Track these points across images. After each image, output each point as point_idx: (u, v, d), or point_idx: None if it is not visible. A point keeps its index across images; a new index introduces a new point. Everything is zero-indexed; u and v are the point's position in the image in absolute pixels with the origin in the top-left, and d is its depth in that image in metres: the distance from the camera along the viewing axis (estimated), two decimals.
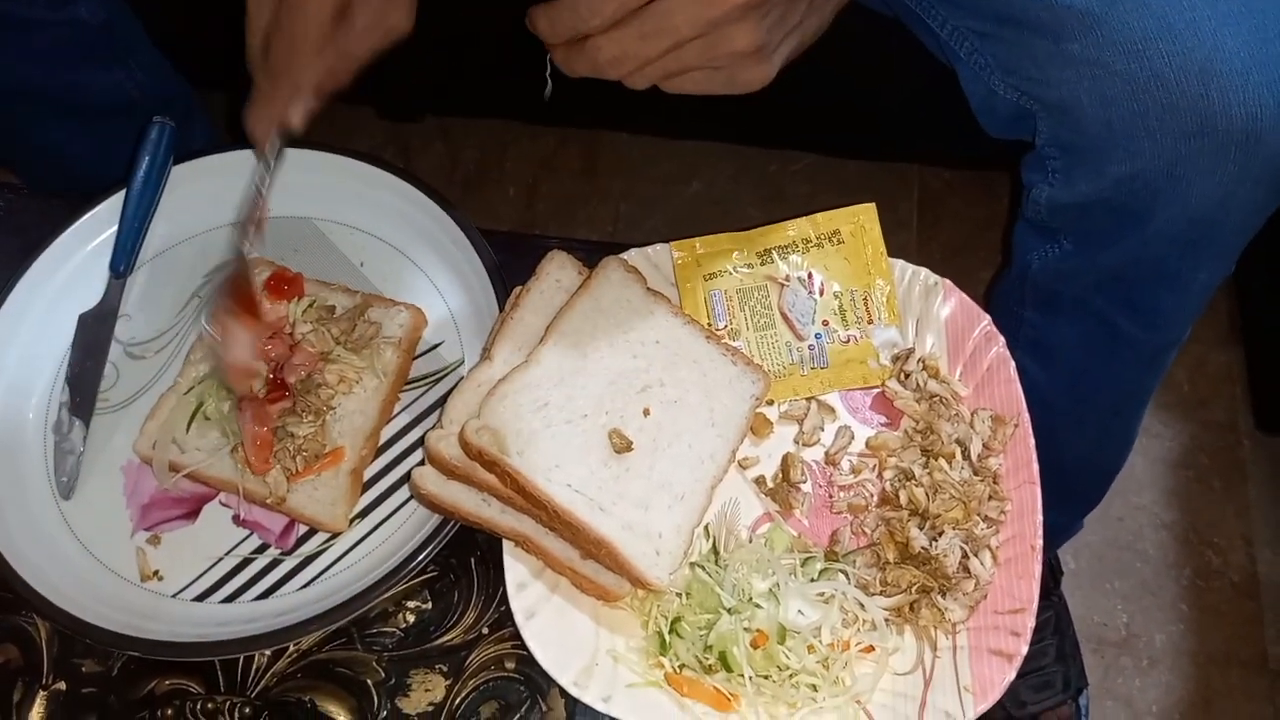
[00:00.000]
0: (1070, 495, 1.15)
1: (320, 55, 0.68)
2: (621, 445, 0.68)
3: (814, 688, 0.65)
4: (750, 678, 0.64)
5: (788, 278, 0.77)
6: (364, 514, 0.75)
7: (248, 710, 0.70)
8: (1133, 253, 0.85)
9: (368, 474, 0.76)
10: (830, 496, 0.74)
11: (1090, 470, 1.13)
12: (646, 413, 0.70)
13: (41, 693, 0.70)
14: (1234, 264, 0.88)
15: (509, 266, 0.79)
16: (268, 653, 0.71)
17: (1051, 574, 1.26)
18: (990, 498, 0.70)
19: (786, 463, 0.74)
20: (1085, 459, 1.08)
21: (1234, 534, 1.44)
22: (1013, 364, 0.74)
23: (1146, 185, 0.79)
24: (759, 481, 0.74)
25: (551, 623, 0.67)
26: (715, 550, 0.70)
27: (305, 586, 0.73)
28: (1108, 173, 0.80)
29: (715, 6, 0.60)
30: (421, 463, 0.70)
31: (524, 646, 0.67)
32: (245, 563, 0.74)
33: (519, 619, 0.67)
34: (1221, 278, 0.89)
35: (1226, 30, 0.73)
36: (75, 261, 0.82)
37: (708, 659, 0.66)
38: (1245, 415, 1.51)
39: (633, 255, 0.77)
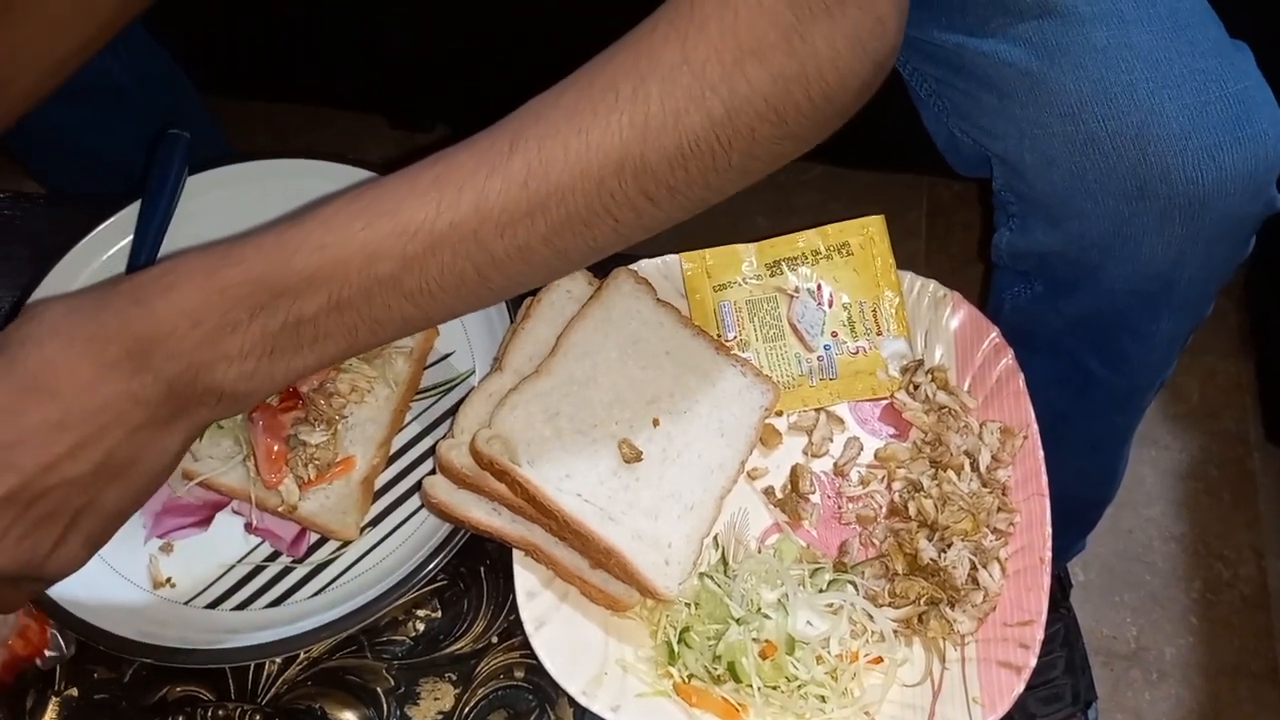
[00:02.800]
0: (1061, 522, 1.15)
1: None
2: (631, 455, 0.69)
3: (822, 699, 0.65)
4: (759, 688, 0.65)
5: (797, 289, 0.78)
6: (375, 522, 0.76)
7: (258, 717, 0.70)
8: (1093, 302, 0.85)
9: (379, 483, 0.77)
10: (839, 507, 0.74)
11: (1077, 502, 1.13)
12: (656, 423, 0.70)
13: (54, 699, 0.71)
14: (1205, 312, 0.88)
15: None
16: (278, 660, 0.71)
17: (1060, 586, 1.26)
18: (999, 509, 0.70)
19: (795, 474, 0.74)
20: (1068, 492, 1.08)
21: (1244, 546, 1.43)
22: (1021, 376, 0.74)
23: (1095, 243, 0.79)
24: (768, 492, 0.74)
25: (561, 632, 0.68)
26: (724, 560, 0.70)
27: (316, 594, 0.73)
28: (1060, 228, 0.80)
29: None
30: (432, 471, 0.71)
31: (533, 655, 0.67)
32: (257, 570, 0.74)
33: (528, 628, 0.67)
34: (1189, 327, 0.89)
35: (1165, 94, 0.72)
36: (90, 271, 0.82)
37: (716, 669, 0.66)
38: (1255, 427, 1.51)
39: (643, 266, 0.78)
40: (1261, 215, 0.78)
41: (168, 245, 0.84)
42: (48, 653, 0.70)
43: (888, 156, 1.53)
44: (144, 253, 0.82)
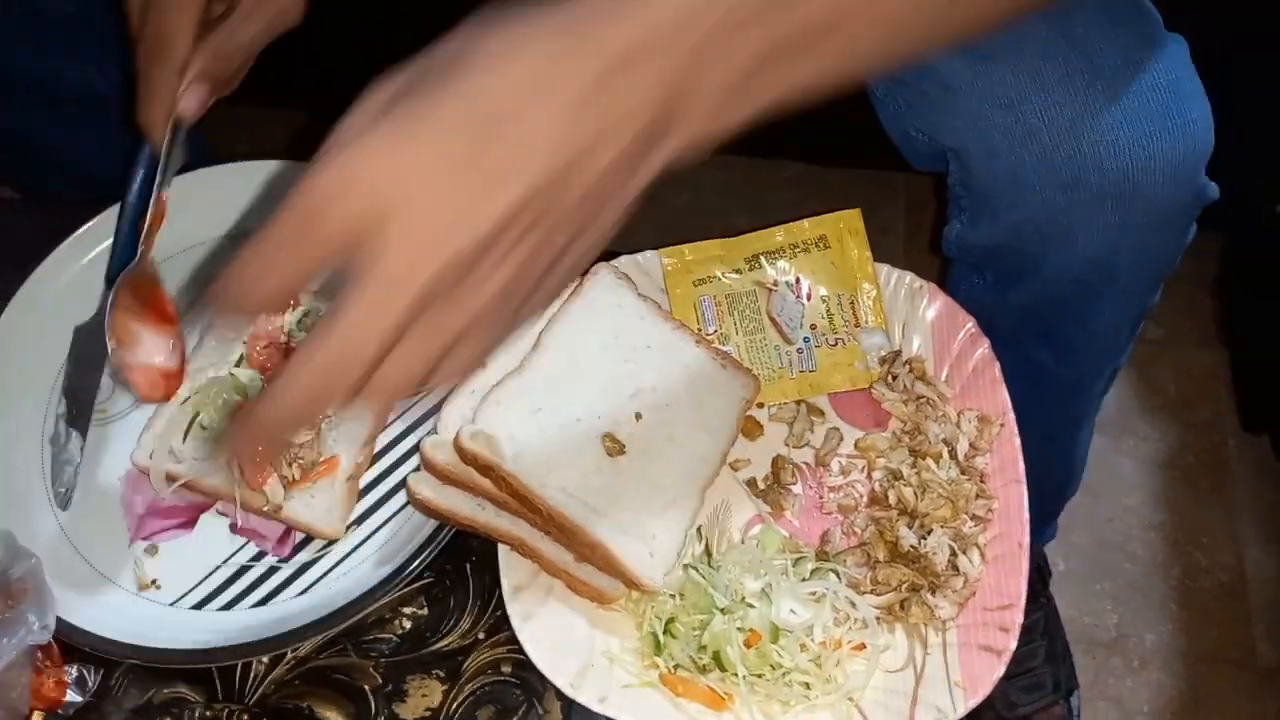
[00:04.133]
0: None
1: (197, 39, 0.65)
2: (614, 449, 0.69)
3: (807, 686, 0.66)
4: (744, 677, 0.65)
5: (776, 283, 0.79)
6: (360, 520, 0.76)
7: (246, 717, 0.70)
8: (1037, 292, 0.87)
9: (364, 481, 0.77)
10: (820, 497, 0.75)
11: (1039, 493, 1.14)
12: (638, 416, 0.71)
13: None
14: (1148, 301, 0.89)
15: None
16: (265, 660, 0.71)
17: (1040, 576, 1.28)
18: (978, 496, 0.71)
19: (777, 464, 0.75)
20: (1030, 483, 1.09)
21: (1221, 534, 1.45)
22: (997, 365, 0.75)
23: (1035, 231, 0.80)
24: (750, 483, 0.75)
25: (547, 625, 0.68)
26: (708, 551, 0.71)
27: (303, 593, 0.73)
28: (1000, 218, 0.81)
29: (395, 300, 0.41)
30: (417, 469, 0.71)
31: (520, 651, 0.68)
32: (242, 570, 0.74)
33: (515, 622, 0.68)
34: (1133, 315, 0.90)
35: (1099, 85, 0.74)
36: (71, 274, 0.82)
37: (702, 659, 0.66)
38: (1230, 416, 1.53)
39: (623, 262, 0.78)
40: (1194, 203, 0.80)
41: None
42: (68, 699, 0.70)
43: (864, 154, 1.53)
44: (124, 254, 0.82)
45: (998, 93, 0.75)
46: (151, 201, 0.71)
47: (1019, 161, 0.76)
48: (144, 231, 0.72)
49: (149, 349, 0.71)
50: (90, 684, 0.70)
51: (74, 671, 0.70)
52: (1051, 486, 1.14)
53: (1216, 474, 1.49)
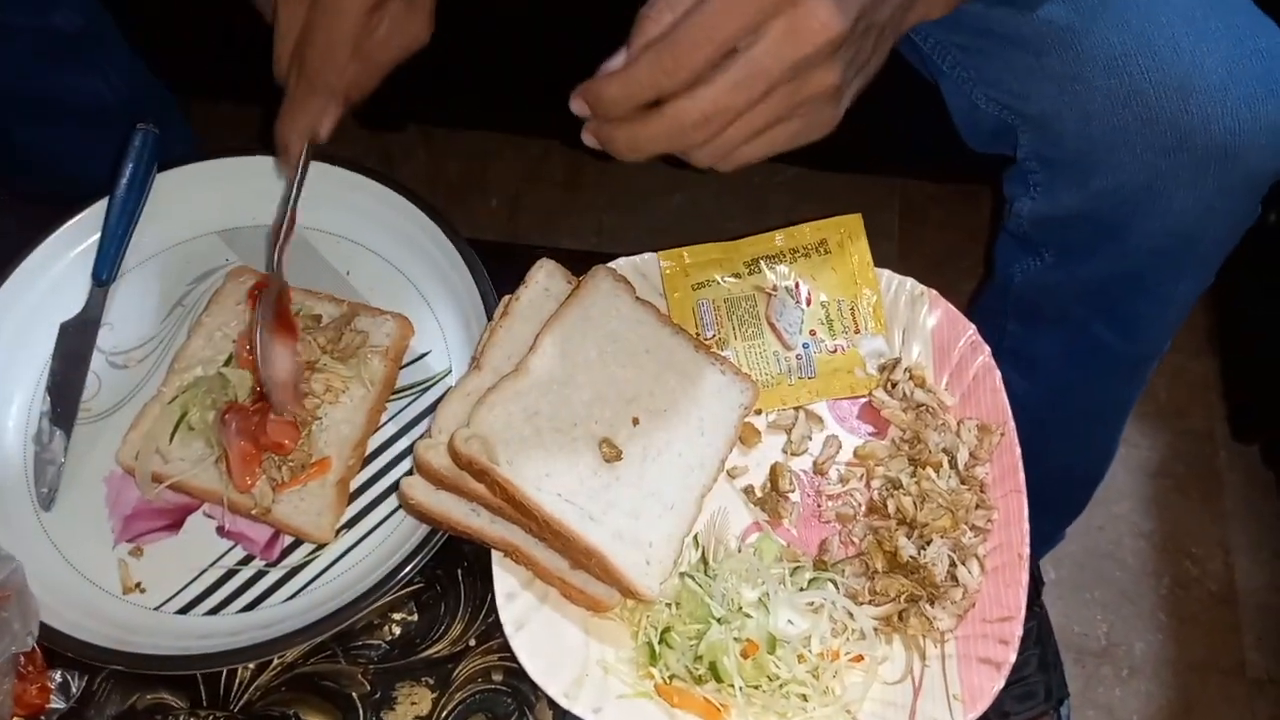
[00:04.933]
0: (1052, 505, 1.16)
1: (350, 63, 0.68)
2: (611, 454, 0.68)
3: (804, 697, 0.65)
4: (740, 688, 0.64)
5: (775, 288, 0.78)
6: (350, 524, 0.75)
7: None
8: (1113, 265, 0.87)
9: (354, 484, 0.76)
10: (819, 506, 0.74)
11: (1072, 480, 1.15)
12: (636, 422, 0.70)
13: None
14: (1214, 275, 0.89)
15: (495, 275, 0.79)
16: (251, 666, 0.70)
17: (1034, 584, 1.27)
18: (977, 506, 0.71)
19: (775, 472, 0.74)
20: (1067, 469, 1.09)
21: (1211, 543, 1.46)
22: (998, 373, 0.74)
23: (1126, 199, 0.80)
24: (748, 491, 0.74)
25: (541, 633, 0.67)
26: (704, 560, 0.70)
27: (291, 598, 0.72)
28: (1088, 186, 0.81)
29: (805, 42, 0.54)
30: (410, 472, 0.70)
31: (512, 658, 0.67)
32: (230, 574, 0.73)
33: (508, 630, 0.67)
34: (1202, 289, 0.90)
35: (1205, 47, 0.74)
36: (57, 269, 0.81)
37: (698, 669, 0.65)
38: (1221, 425, 1.53)
39: (621, 264, 0.77)
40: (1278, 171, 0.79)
41: (134, 243, 0.82)
42: (51, 705, 0.68)
43: (860, 158, 1.53)
44: (112, 249, 0.80)
45: (1100, 55, 0.74)
46: (286, 218, 0.74)
47: (1121, 124, 0.75)
48: (278, 246, 0.74)
49: (285, 362, 0.74)
50: (74, 690, 0.69)
51: (58, 677, 0.69)
52: (1086, 473, 1.14)
53: (1207, 482, 1.49)
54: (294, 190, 0.74)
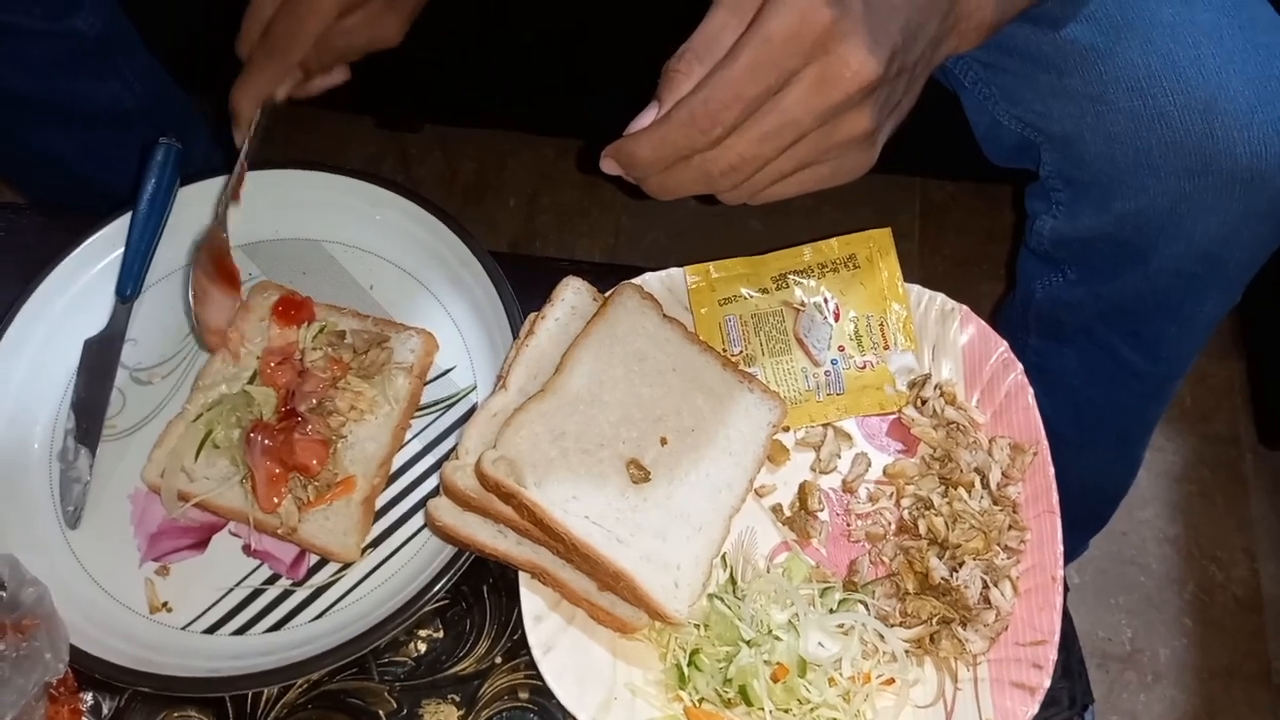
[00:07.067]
0: (1076, 520, 1.15)
1: (311, 40, 0.69)
2: (639, 475, 0.68)
3: None
4: (770, 711, 0.64)
5: (803, 303, 0.77)
6: (376, 543, 0.74)
7: None
8: (1136, 286, 0.85)
9: (380, 502, 0.75)
10: (848, 525, 0.73)
11: (1096, 495, 1.14)
12: (664, 442, 0.69)
13: None
14: (1239, 295, 0.88)
15: (518, 289, 0.78)
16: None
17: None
18: (1010, 527, 0.70)
19: (804, 491, 0.73)
20: (1091, 484, 1.08)
21: (1236, 548, 1.44)
22: (1031, 391, 0.73)
23: (1150, 221, 0.79)
24: (776, 510, 0.73)
25: (569, 656, 0.67)
26: (733, 580, 0.69)
27: (318, 618, 0.72)
28: (1111, 208, 0.80)
29: (836, 90, 0.53)
30: (436, 493, 0.69)
31: (538, 676, 0.66)
32: (256, 594, 0.73)
33: (536, 653, 0.66)
34: (1227, 309, 0.89)
35: (1232, 69, 0.72)
36: (80, 285, 0.80)
37: (727, 692, 0.65)
38: (1248, 429, 1.51)
39: (648, 280, 0.76)
40: None
41: (159, 257, 0.82)
42: None
43: (880, 158, 1.52)
44: (135, 264, 0.80)
45: (1124, 77, 0.73)
46: (234, 176, 0.76)
47: (1145, 146, 0.74)
48: (223, 200, 0.77)
49: (217, 307, 0.77)
50: (105, 712, 0.69)
51: (89, 699, 0.69)
52: (1112, 490, 1.13)
53: (1232, 488, 1.48)
54: (243, 151, 0.75)
